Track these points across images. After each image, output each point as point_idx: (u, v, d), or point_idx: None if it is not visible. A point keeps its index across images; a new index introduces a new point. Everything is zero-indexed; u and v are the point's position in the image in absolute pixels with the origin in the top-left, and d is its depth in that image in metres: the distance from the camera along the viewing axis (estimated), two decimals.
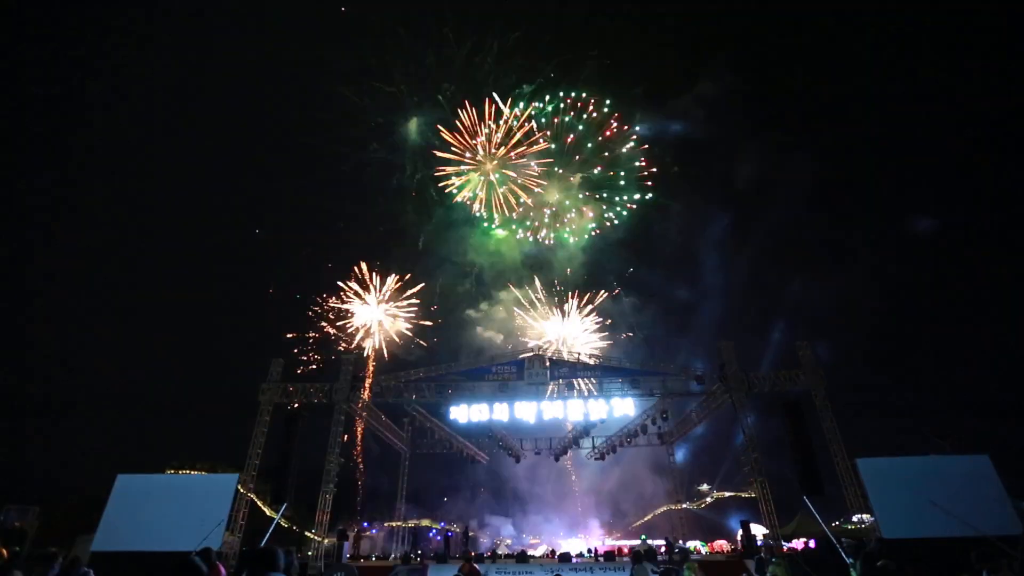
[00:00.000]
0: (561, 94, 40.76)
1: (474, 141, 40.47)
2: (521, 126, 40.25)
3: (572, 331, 33.55)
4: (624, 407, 22.48)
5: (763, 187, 55.64)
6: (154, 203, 66.38)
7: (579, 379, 22.67)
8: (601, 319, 34.39)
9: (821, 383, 19.67)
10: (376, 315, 32.10)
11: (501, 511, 41.35)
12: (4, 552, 5.89)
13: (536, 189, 41.67)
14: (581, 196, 42.93)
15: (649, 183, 42.23)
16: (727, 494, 28.50)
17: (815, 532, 21.71)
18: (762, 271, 57.10)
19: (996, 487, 14.07)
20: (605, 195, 43.02)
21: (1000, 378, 46.10)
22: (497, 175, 41.19)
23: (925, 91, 54.47)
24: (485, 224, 43.97)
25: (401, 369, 24.29)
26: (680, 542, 24.30)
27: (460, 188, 41.74)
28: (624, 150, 41.76)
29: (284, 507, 17.56)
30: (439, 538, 33.82)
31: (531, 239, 43.59)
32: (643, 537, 31.63)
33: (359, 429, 29.75)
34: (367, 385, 23.14)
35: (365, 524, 32.92)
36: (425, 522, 33.75)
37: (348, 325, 32.03)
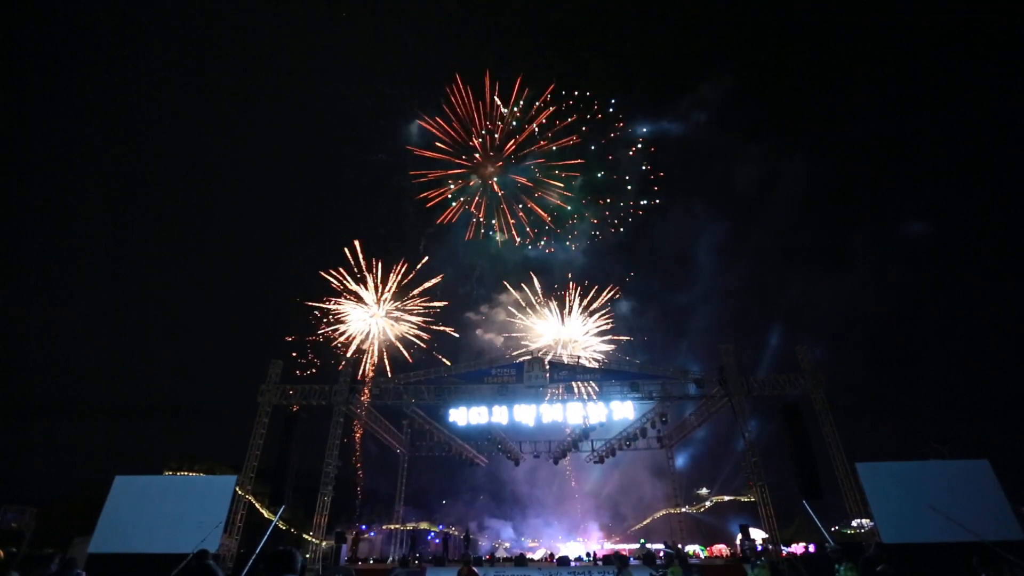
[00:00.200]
0: (563, 92, 40.54)
1: (473, 140, 40.13)
2: (525, 126, 39.82)
3: (572, 334, 33.53)
4: (623, 410, 22.42)
5: (762, 190, 55.75)
6: (154, 204, 66.41)
7: (578, 382, 22.63)
8: (601, 322, 34.38)
9: (820, 386, 19.64)
10: (376, 317, 32.07)
11: (500, 514, 41.24)
12: (1, 553, 5.87)
13: (537, 194, 41.42)
14: (583, 200, 42.97)
15: (651, 187, 42.37)
16: (726, 498, 28.42)
17: (814, 536, 21.67)
18: (762, 275, 57.20)
19: (996, 492, 14.04)
20: (606, 198, 43.02)
21: (1000, 383, 46.07)
22: (497, 179, 41.18)
23: (923, 96, 54.63)
24: (484, 231, 43.44)
25: (400, 371, 24.27)
26: (679, 546, 24.22)
27: (454, 196, 41.39)
28: (625, 152, 41.85)
29: (282, 509, 17.51)
30: (438, 541, 33.70)
31: (529, 245, 43.53)
32: (642, 541, 31.56)
33: (358, 431, 29.69)
34: (366, 387, 23.10)
35: (363, 527, 32.80)
36: (424, 525, 33.61)
37: (348, 327, 32.01)
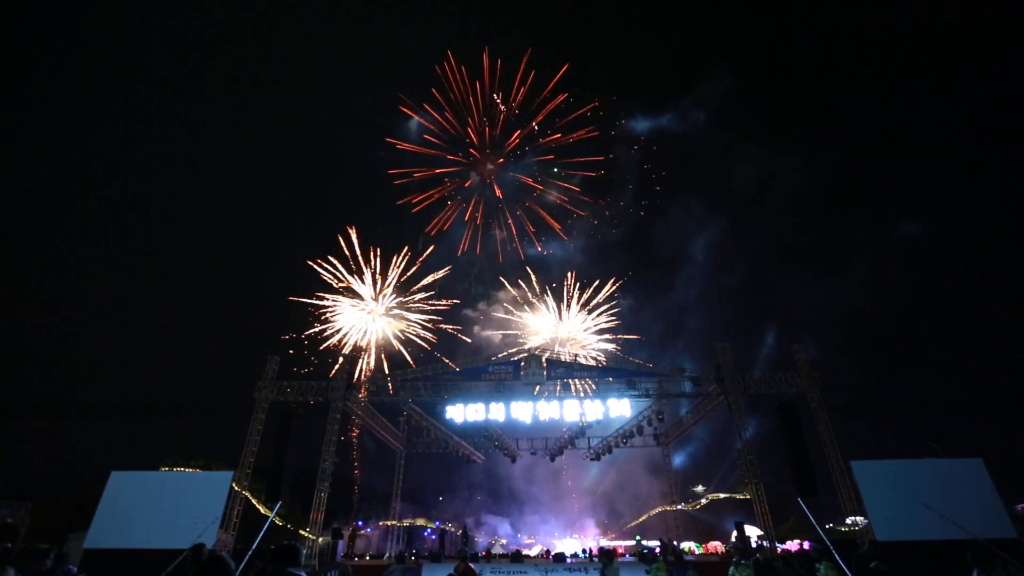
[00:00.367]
0: (564, 88, 39.56)
1: (469, 134, 38.71)
2: (517, 115, 38.29)
3: (569, 331, 33.56)
4: (620, 408, 22.48)
5: (760, 190, 55.85)
6: (151, 203, 66.12)
7: (575, 379, 22.67)
8: (598, 320, 34.42)
9: (816, 385, 19.72)
10: (374, 315, 32.00)
11: (497, 511, 41.33)
12: None
13: (536, 193, 40.65)
14: (582, 197, 42.73)
15: (649, 186, 42.18)
16: (722, 495, 28.58)
17: (809, 534, 21.81)
18: (759, 273, 57.34)
19: (989, 491, 14.15)
20: (605, 197, 42.84)
21: (996, 382, 46.39)
22: (496, 177, 40.70)
23: (922, 96, 54.76)
24: (480, 242, 41.94)
25: (397, 368, 24.26)
26: (674, 543, 24.35)
27: (450, 197, 39.96)
28: (623, 150, 41.60)
29: (279, 505, 17.50)
30: (434, 537, 33.76)
31: (529, 245, 43.06)
32: (638, 538, 31.71)
33: (355, 428, 29.65)
34: (363, 384, 23.09)
35: (359, 523, 32.82)
36: (420, 521, 33.66)
37: (345, 324, 31.90)
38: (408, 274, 33.42)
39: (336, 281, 31.91)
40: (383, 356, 31.84)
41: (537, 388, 22.23)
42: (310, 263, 30.74)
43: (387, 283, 32.12)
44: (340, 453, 23.20)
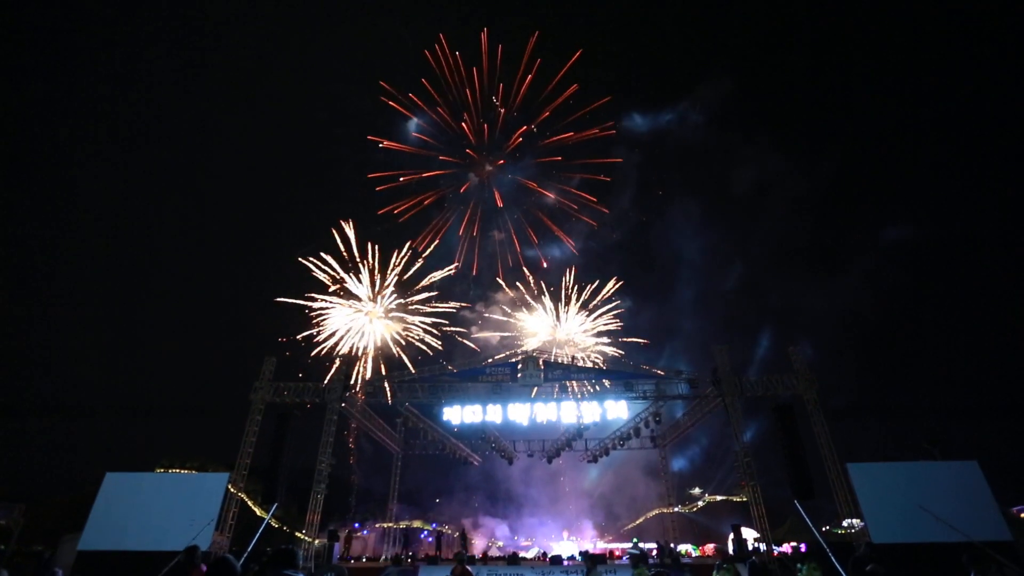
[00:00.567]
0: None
1: (466, 131, 36.52)
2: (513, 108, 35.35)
3: (567, 333, 33.56)
4: (617, 410, 22.48)
5: (758, 192, 56.04)
6: (149, 203, 65.93)
7: (573, 381, 22.67)
8: (596, 322, 34.41)
9: (813, 387, 19.76)
10: (371, 315, 31.89)
11: (495, 513, 41.23)
12: None
13: (534, 196, 39.56)
14: (578, 201, 42.53)
15: (648, 187, 41.93)
16: (719, 498, 28.58)
17: (806, 536, 21.83)
18: (756, 276, 57.50)
19: (985, 493, 14.19)
20: (607, 199, 42.52)
21: (992, 385, 46.58)
22: (493, 179, 40.22)
23: (920, 100, 55.07)
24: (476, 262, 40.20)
25: (395, 369, 24.18)
26: (671, 545, 24.34)
27: (447, 201, 37.61)
28: (622, 152, 41.30)
29: (275, 507, 17.43)
30: (431, 539, 33.66)
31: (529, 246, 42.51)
32: (635, 540, 31.68)
33: (352, 429, 29.51)
34: (360, 385, 23.03)
35: (356, 525, 32.71)
36: (417, 523, 33.54)
37: (343, 325, 31.75)
38: (407, 275, 33.16)
39: (333, 283, 31.78)
40: (380, 357, 31.71)
41: (535, 390, 22.21)
42: (305, 262, 30.25)
43: (386, 284, 31.95)
44: (337, 455, 23.15)
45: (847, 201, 61.09)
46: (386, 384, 23.02)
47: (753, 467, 19.31)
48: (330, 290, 31.38)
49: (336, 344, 31.00)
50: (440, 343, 31.76)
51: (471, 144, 38.42)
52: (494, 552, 33.03)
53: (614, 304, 34.46)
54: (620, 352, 32.70)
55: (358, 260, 31.86)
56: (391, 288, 31.96)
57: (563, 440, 27.29)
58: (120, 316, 64.78)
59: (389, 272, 32.32)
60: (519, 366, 22.25)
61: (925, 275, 52.39)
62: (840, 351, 48.25)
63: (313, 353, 30.67)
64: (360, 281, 31.96)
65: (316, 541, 20.16)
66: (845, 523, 19.47)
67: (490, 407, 22.29)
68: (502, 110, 36.26)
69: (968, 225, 52.88)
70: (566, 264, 42.85)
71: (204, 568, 7.11)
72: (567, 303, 34.32)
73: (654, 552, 24.40)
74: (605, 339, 33.94)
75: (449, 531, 35.00)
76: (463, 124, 36.83)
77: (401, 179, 36.89)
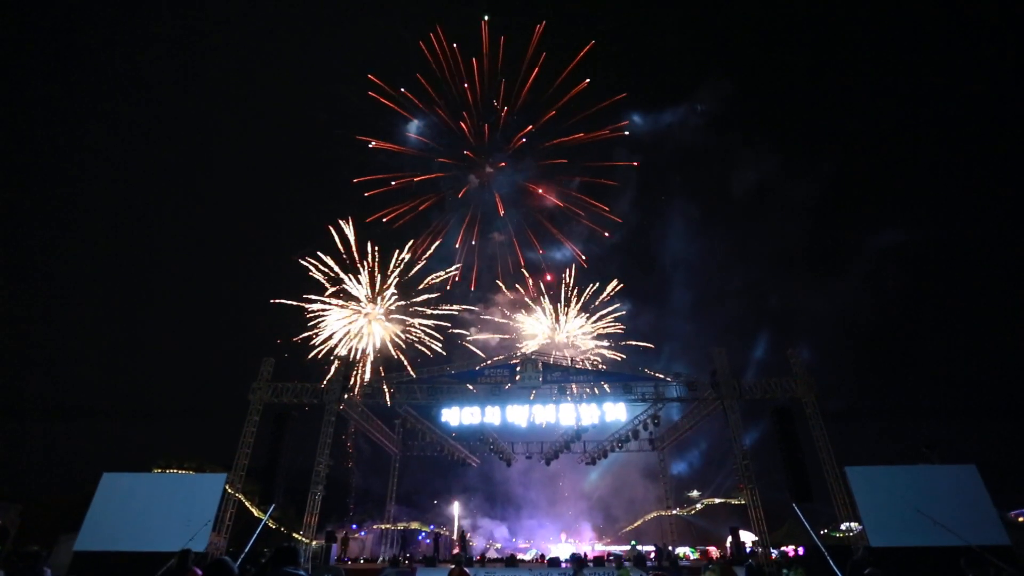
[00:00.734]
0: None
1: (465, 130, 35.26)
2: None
3: (566, 335, 33.51)
4: (616, 412, 22.46)
5: (758, 194, 56.11)
6: (148, 204, 65.89)
7: (571, 383, 22.63)
8: (596, 324, 34.34)
9: (812, 391, 19.76)
10: (370, 316, 31.79)
11: (493, 515, 41.17)
12: None
13: (538, 194, 38.23)
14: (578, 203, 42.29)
15: (647, 190, 41.59)
16: (717, 500, 28.58)
17: (804, 539, 21.81)
18: (755, 278, 57.56)
19: (983, 497, 14.20)
20: (604, 200, 42.06)
21: (990, 388, 46.64)
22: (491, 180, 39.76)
23: (918, 103, 55.23)
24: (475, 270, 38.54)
25: (393, 371, 24.09)
26: (669, 547, 24.30)
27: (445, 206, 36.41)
28: (622, 153, 40.84)
29: (272, 508, 17.39)
30: (428, 541, 33.59)
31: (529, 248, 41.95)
32: (633, 542, 31.65)
33: (350, 430, 29.41)
34: (358, 386, 22.98)
35: (354, 526, 32.64)
36: (415, 524, 33.49)
37: (341, 326, 31.61)
38: (407, 276, 32.86)
39: (331, 283, 31.59)
40: (379, 359, 31.57)
41: (533, 392, 22.19)
42: (304, 262, 29.86)
43: (385, 285, 31.77)
44: (335, 456, 23.11)
45: (846, 203, 61.23)
46: (384, 386, 22.96)
47: (751, 470, 19.29)
48: (329, 291, 31.18)
49: (335, 345, 30.90)
50: (439, 345, 31.52)
51: (470, 144, 37.40)
52: (492, 554, 32.98)
53: (614, 307, 34.36)
54: (621, 356, 32.52)
55: (357, 261, 31.66)
56: (390, 289, 31.80)
57: (561, 442, 27.26)
58: (118, 316, 64.70)
59: (388, 273, 32.16)
60: (518, 368, 22.24)
61: (924, 278, 52.51)
62: (839, 354, 48.29)
63: (311, 354, 30.52)
64: (359, 282, 31.83)
65: (314, 542, 20.10)
66: (843, 526, 19.48)
67: (488, 409, 22.27)
68: (504, 109, 34.58)
69: (967, 227, 53.04)
70: (565, 266, 42.76)
71: (199, 572, 7.04)
72: (566, 305, 34.27)
73: (652, 555, 24.37)
74: (604, 342, 33.86)
75: (446, 533, 34.93)
76: (462, 124, 35.56)
77: (393, 183, 34.85)
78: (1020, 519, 28.63)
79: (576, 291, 34.56)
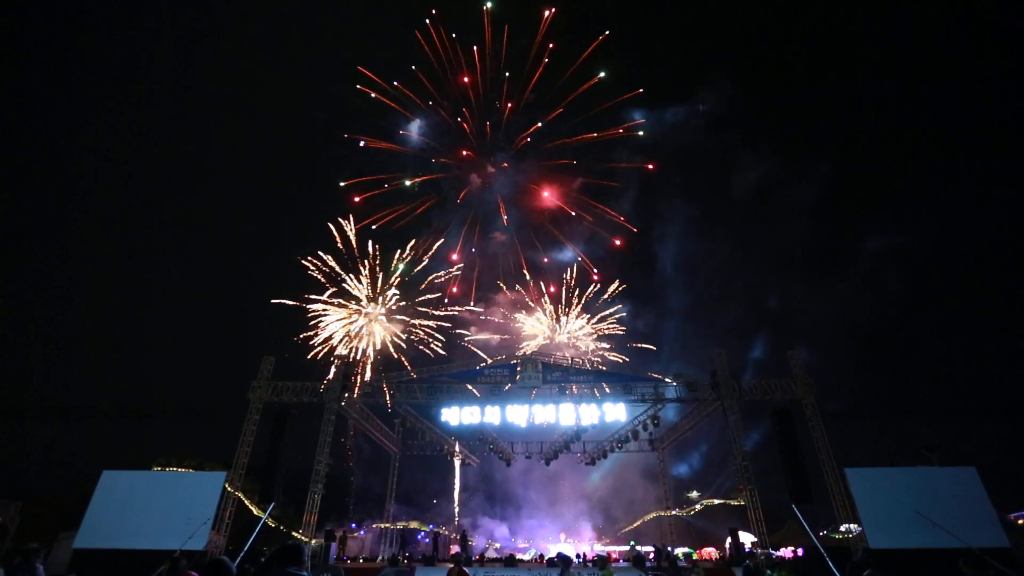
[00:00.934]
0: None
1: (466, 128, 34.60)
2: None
3: (566, 335, 33.51)
4: (616, 412, 22.48)
5: (758, 196, 56.09)
6: (147, 203, 65.94)
7: (571, 383, 22.65)
8: (596, 325, 34.34)
9: (811, 392, 19.76)
10: (371, 316, 31.81)
11: (493, 514, 41.15)
12: None
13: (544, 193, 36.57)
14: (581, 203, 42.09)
15: (648, 192, 41.30)
16: (716, 501, 28.56)
17: (804, 540, 21.81)
18: (755, 279, 57.53)
19: (983, 499, 14.20)
20: (605, 201, 41.81)
21: (990, 390, 46.62)
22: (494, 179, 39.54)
23: (918, 105, 55.19)
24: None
25: (393, 370, 24.11)
26: (668, 548, 24.30)
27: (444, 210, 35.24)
28: (624, 154, 40.63)
29: (272, 507, 17.41)
30: (427, 540, 33.59)
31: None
32: (632, 543, 31.65)
33: (350, 429, 29.39)
34: (358, 385, 23.00)
35: (353, 525, 32.64)
36: (414, 524, 33.46)
37: (341, 325, 31.61)
38: (408, 276, 32.77)
39: (331, 283, 31.59)
40: (379, 358, 31.56)
41: (533, 392, 22.20)
42: (304, 262, 29.70)
43: (385, 285, 31.75)
44: (334, 455, 23.12)
45: (846, 204, 61.16)
46: (384, 385, 22.98)
47: (751, 471, 19.30)
48: (329, 290, 31.16)
49: (335, 345, 30.92)
50: (440, 345, 31.41)
51: (472, 143, 36.66)
52: (491, 554, 32.97)
53: (616, 308, 34.31)
54: (623, 358, 32.43)
55: (357, 260, 31.62)
56: (390, 289, 31.77)
57: (561, 442, 27.27)
58: (118, 315, 64.74)
59: (389, 273, 32.13)
60: (518, 368, 22.24)
61: (924, 278, 52.49)
62: (838, 355, 48.25)
63: (311, 354, 30.52)
64: (360, 281, 31.85)
65: (313, 541, 20.12)
66: (843, 528, 19.45)
67: (488, 408, 22.29)
68: (508, 105, 33.24)
69: (967, 228, 53.04)
70: (567, 266, 42.65)
71: (193, 574, 7.00)
72: (567, 305, 34.27)
73: (651, 555, 24.38)
74: (605, 345, 33.82)
75: (446, 532, 34.92)
76: (464, 124, 34.94)
77: (386, 185, 33.68)
78: (1020, 521, 28.62)
79: (577, 292, 34.60)
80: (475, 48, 31.32)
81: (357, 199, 32.31)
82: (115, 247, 65.62)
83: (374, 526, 31.61)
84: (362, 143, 32.87)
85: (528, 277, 35.42)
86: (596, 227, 35.87)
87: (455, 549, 27.02)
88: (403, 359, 29.60)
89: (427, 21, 31.27)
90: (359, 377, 23.63)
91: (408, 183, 33.48)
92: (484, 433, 26.21)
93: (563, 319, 34.08)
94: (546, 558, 25.68)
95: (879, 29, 55.27)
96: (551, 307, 34.61)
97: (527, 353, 25.44)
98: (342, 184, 32.45)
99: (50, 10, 53.22)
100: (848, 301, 51.72)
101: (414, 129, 34.60)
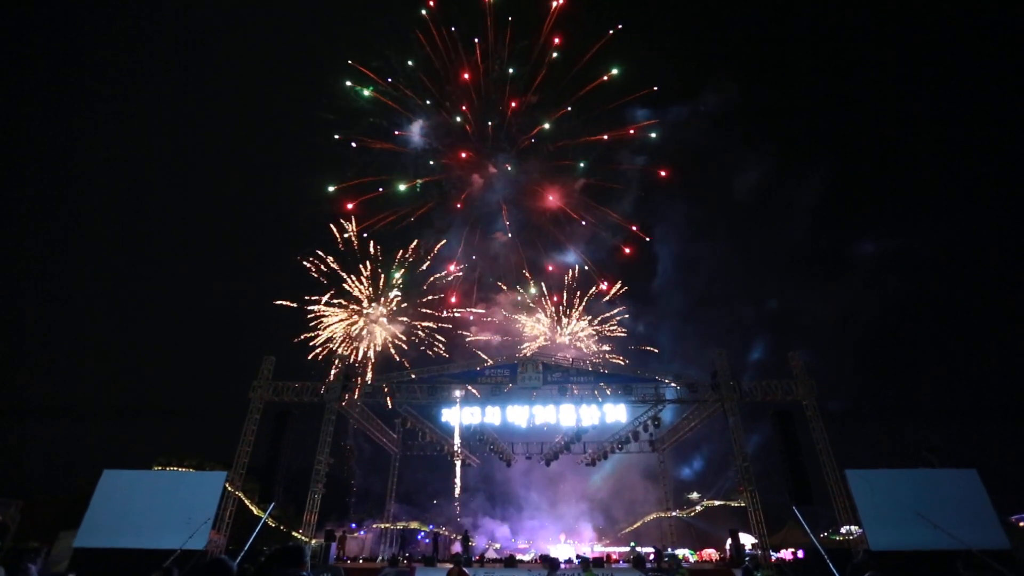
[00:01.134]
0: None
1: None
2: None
3: (567, 336, 33.50)
4: (616, 413, 22.48)
5: (760, 197, 56.02)
6: (147, 200, 66.01)
7: (572, 384, 22.65)
8: (596, 326, 34.33)
9: (812, 393, 19.75)
10: (372, 316, 31.82)
11: (492, 515, 41.13)
12: None
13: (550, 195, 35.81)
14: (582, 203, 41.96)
15: (648, 192, 41.09)
16: (717, 503, 28.52)
17: (804, 542, 21.79)
18: (756, 280, 57.48)
19: (984, 501, 14.19)
20: (606, 201, 41.65)
21: (991, 392, 46.54)
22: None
23: (926, 107, 55.18)
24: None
25: (394, 370, 24.12)
26: (668, 549, 24.28)
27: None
28: (626, 155, 40.44)
29: (272, 506, 17.42)
30: (427, 541, 33.59)
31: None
32: (632, 544, 31.62)
33: (350, 429, 29.42)
34: (359, 385, 23.02)
35: (353, 525, 32.65)
36: (414, 524, 33.46)
37: (342, 325, 31.61)
38: (409, 276, 32.71)
39: (332, 283, 31.57)
40: (379, 358, 31.54)
41: (534, 392, 22.21)
42: (305, 263, 29.69)
43: (386, 285, 31.75)
44: (335, 455, 23.12)
45: (847, 205, 61.08)
46: (385, 385, 22.99)
47: (751, 472, 19.28)
48: (330, 291, 31.16)
49: (335, 345, 30.94)
50: (440, 345, 31.39)
51: (472, 143, 36.47)
52: (491, 554, 32.97)
53: (618, 309, 34.25)
54: (624, 360, 32.31)
55: (358, 261, 31.61)
56: (391, 289, 31.79)
57: (561, 443, 27.27)
58: (118, 315, 64.83)
59: (390, 274, 32.12)
60: (518, 368, 22.25)
61: (924, 279, 52.42)
62: (839, 356, 48.18)
63: (312, 354, 30.51)
64: (360, 282, 31.87)
65: (313, 541, 20.13)
66: (843, 529, 19.44)
67: (489, 408, 22.31)
68: (513, 104, 32.61)
69: (968, 229, 52.95)
70: (567, 267, 42.56)
71: None
72: (568, 306, 34.25)
73: (651, 556, 24.36)
74: (606, 347, 33.75)
75: (446, 533, 34.91)
76: (464, 123, 34.70)
77: (380, 189, 32.98)
78: (1021, 523, 28.56)
79: (578, 292, 34.56)
80: (476, 43, 30.87)
81: (350, 205, 31.77)
82: (115, 247, 65.74)
83: (374, 526, 31.62)
84: (353, 144, 32.38)
85: (528, 276, 35.30)
86: (599, 229, 35.70)
87: (456, 549, 27.03)
88: (403, 360, 29.58)
89: (423, 12, 30.66)
90: (359, 378, 23.62)
91: (402, 188, 32.97)
92: (484, 433, 26.23)
93: (564, 319, 34.06)
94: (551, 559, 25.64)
95: (879, 29, 55.28)
96: (552, 307, 34.60)
97: (528, 354, 25.40)
98: (331, 189, 31.93)
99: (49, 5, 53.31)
100: (849, 302, 51.63)
101: (414, 129, 34.24)
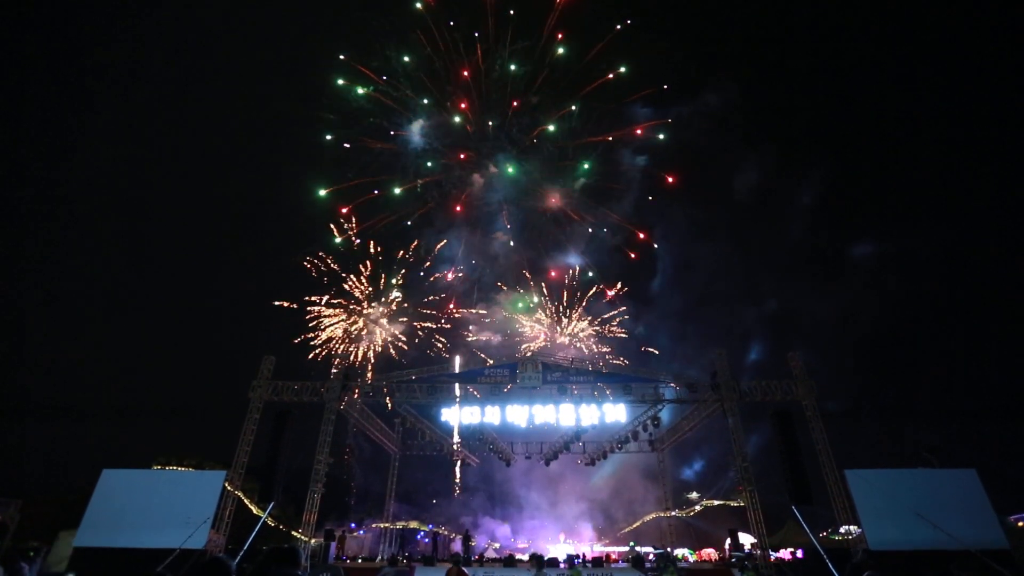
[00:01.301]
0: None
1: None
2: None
3: (567, 336, 33.53)
4: (616, 413, 22.49)
5: (759, 198, 56.01)
6: (147, 200, 65.96)
7: (571, 384, 22.66)
8: (596, 326, 34.37)
9: (812, 393, 19.74)
10: (371, 316, 31.87)
11: (491, 514, 41.17)
12: None
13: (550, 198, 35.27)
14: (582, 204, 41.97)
15: (649, 192, 41.07)
16: (716, 502, 28.56)
17: (803, 542, 21.81)
18: (756, 280, 57.45)
19: (983, 501, 14.19)
20: (606, 201, 41.61)
21: (991, 392, 46.56)
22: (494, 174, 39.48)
23: (927, 106, 55.18)
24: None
25: (394, 369, 24.13)
26: (668, 549, 24.30)
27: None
28: (626, 155, 40.51)
29: (271, 506, 17.42)
30: (427, 540, 33.61)
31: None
32: (632, 544, 31.65)
33: (350, 429, 29.47)
34: (359, 385, 23.02)
35: (352, 525, 32.66)
36: (414, 524, 33.49)
37: (343, 325, 31.71)
38: (410, 277, 32.86)
39: (333, 283, 31.65)
40: (379, 358, 31.61)
41: (534, 392, 22.21)
42: (306, 263, 29.84)
43: (387, 285, 31.80)
44: (335, 454, 23.12)
45: (846, 205, 61.03)
46: (385, 385, 23.00)
47: (751, 472, 19.28)
48: (330, 291, 31.22)
49: (336, 344, 30.99)
50: (440, 345, 31.43)
51: (472, 143, 36.49)
52: (491, 554, 32.99)
53: (618, 309, 34.33)
54: (624, 361, 32.41)
55: (358, 261, 31.70)
56: (391, 290, 31.82)
57: (561, 442, 27.28)
58: (118, 314, 64.79)
59: (390, 274, 32.19)
60: (518, 368, 22.25)
61: (925, 280, 52.43)
62: (839, 356, 48.20)
63: (312, 354, 30.57)
64: (360, 282, 31.90)
65: (312, 540, 20.13)
66: (843, 529, 19.44)
67: (488, 408, 22.31)
68: (514, 103, 32.67)
69: (968, 229, 52.94)
70: (569, 266, 42.60)
71: None
72: (568, 306, 34.29)
73: (651, 556, 24.37)
74: (606, 348, 33.79)
75: (445, 532, 34.93)
76: (464, 123, 34.95)
77: (375, 192, 32.95)
78: (1020, 523, 28.57)
79: (578, 293, 34.62)
80: (477, 42, 30.92)
81: (348, 207, 31.47)
82: (115, 247, 65.66)
83: (374, 526, 31.64)
84: (346, 145, 32.27)
85: (528, 277, 35.44)
86: (599, 230, 35.69)
87: (456, 548, 27.04)
88: (403, 359, 29.64)
89: (417, 5, 30.61)
90: (359, 377, 23.62)
91: (402, 189, 32.65)
92: (484, 433, 26.23)
93: (564, 319, 34.09)
94: (545, 558, 25.67)
95: (879, 29, 55.28)
96: (552, 307, 34.64)
97: (527, 354, 25.43)
98: (322, 193, 31.68)
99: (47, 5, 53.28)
100: (848, 302, 51.65)
101: (414, 129, 34.13)
